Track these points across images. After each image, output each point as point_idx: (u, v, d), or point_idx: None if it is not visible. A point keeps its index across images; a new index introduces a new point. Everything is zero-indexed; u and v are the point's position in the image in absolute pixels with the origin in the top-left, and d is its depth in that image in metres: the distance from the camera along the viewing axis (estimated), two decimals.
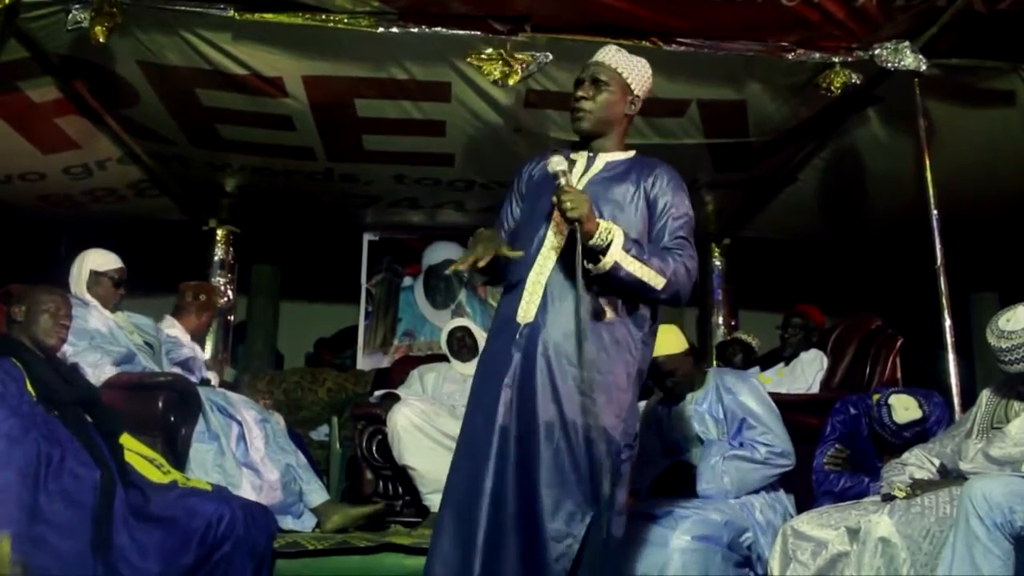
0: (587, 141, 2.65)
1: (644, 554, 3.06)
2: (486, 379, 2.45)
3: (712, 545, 3.06)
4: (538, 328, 2.40)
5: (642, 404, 3.78)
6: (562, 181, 2.36)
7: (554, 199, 2.36)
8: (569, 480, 2.28)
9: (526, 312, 2.44)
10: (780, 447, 3.31)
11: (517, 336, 2.41)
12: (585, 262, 2.35)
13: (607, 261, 2.35)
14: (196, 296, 4.56)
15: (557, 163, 2.38)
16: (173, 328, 4.36)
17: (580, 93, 2.59)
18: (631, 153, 2.68)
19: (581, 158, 2.63)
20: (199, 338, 4.55)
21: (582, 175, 2.59)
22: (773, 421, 3.37)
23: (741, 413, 3.38)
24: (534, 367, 2.37)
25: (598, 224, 2.35)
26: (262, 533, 2.94)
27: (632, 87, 2.63)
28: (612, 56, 2.64)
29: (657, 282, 2.41)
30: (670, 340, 3.40)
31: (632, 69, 2.63)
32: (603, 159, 2.63)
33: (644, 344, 2.52)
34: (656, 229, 2.54)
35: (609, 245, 2.35)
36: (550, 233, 2.50)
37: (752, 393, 3.42)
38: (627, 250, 2.37)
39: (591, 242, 2.34)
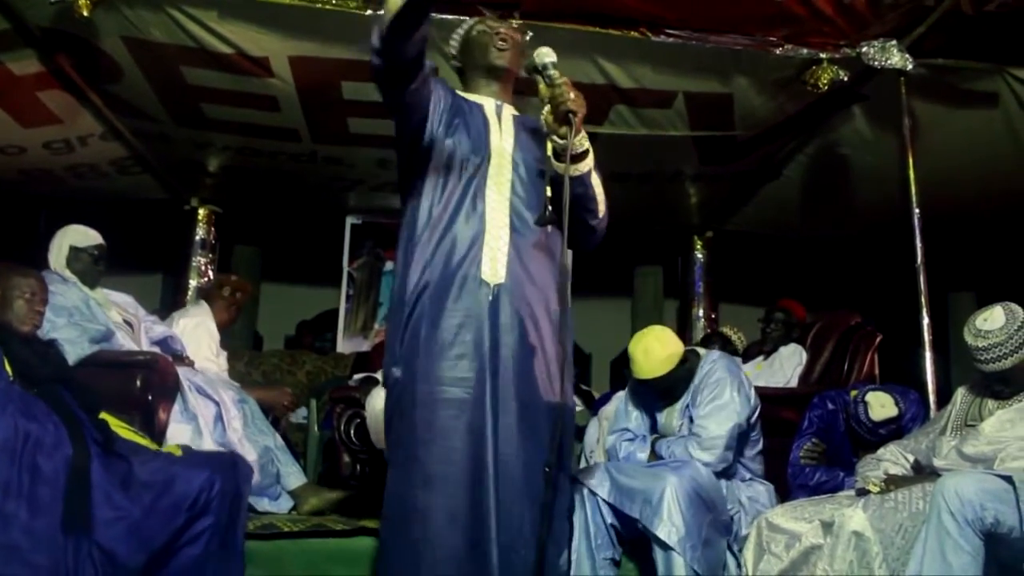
0: (482, 81, 2.52)
1: (641, 484, 3.13)
2: (455, 353, 2.20)
3: (703, 504, 3.10)
4: (511, 289, 2.26)
5: (621, 394, 3.81)
6: (555, 72, 2.23)
7: (547, 93, 2.23)
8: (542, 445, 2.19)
9: (494, 271, 2.27)
10: (712, 463, 3.29)
11: (490, 298, 2.24)
12: (557, 163, 2.26)
13: (586, 164, 2.31)
14: (233, 293, 4.64)
15: (547, 53, 2.25)
16: (197, 318, 4.41)
17: (504, 32, 2.49)
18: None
19: (487, 102, 2.48)
20: (221, 332, 4.55)
21: (499, 122, 2.45)
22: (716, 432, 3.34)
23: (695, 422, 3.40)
24: (516, 338, 2.23)
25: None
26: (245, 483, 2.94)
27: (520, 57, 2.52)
28: (512, 27, 2.59)
29: (601, 208, 2.43)
30: (660, 358, 3.38)
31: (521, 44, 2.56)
32: (508, 110, 2.51)
33: None
34: None
35: (587, 151, 2.32)
36: (508, 179, 2.36)
37: (709, 404, 3.37)
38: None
39: (577, 139, 2.23)
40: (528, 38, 4.13)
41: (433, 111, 2.34)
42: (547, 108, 2.25)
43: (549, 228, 2.33)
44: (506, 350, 2.22)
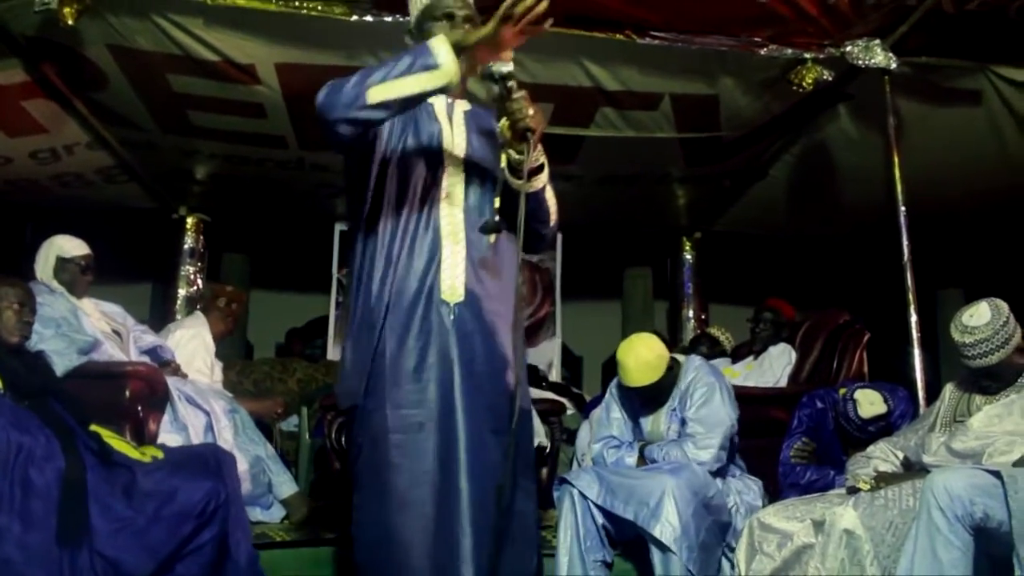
0: None
1: (637, 485, 3.15)
2: (423, 376, 2.13)
3: (702, 506, 3.13)
4: (471, 306, 2.18)
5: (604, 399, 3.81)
6: (514, 85, 2.11)
7: (505, 107, 2.12)
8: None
9: (452, 288, 2.19)
10: (707, 463, 3.33)
11: (451, 317, 2.16)
12: (513, 179, 2.17)
13: (542, 178, 2.22)
14: (229, 303, 4.60)
15: (503, 64, 2.10)
16: (192, 330, 4.37)
17: (461, 14, 2.34)
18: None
19: (437, 100, 2.32)
20: (216, 343, 4.53)
21: (450, 121, 2.32)
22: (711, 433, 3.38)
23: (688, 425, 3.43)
24: (481, 356, 2.17)
25: None
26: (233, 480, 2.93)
27: None
28: (470, 6, 2.42)
29: (553, 216, 2.33)
30: (651, 365, 3.41)
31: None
32: (460, 106, 2.37)
33: None
34: None
35: (542, 165, 2.23)
36: (461, 186, 2.26)
37: (701, 407, 3.41)
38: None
39: (533, 156, 2.13)
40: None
41: (383, 127, 2.25)
42: (504, 121, 2.16)
43: (493, 237, 2.24)
44: (471, 368, 2.15)
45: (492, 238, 2.24)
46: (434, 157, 2.26)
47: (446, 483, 2.08)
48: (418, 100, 2.08)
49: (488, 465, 2.10)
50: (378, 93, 2.03)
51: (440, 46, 2.03)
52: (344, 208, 6.81)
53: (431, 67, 2.02)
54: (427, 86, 2.03)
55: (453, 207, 2.24)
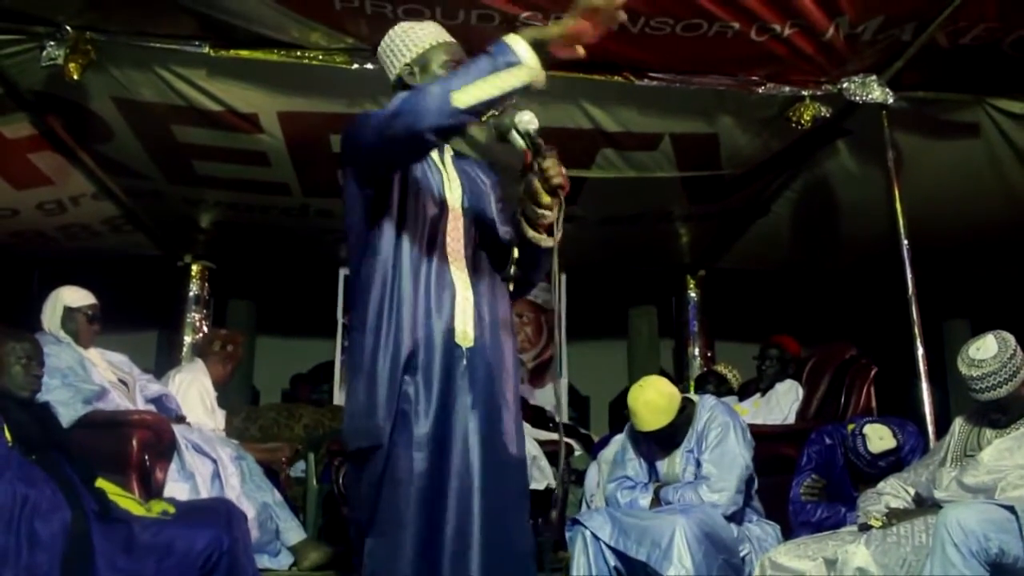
0: None
1: (650, 525, 3.13)
2: (444, 420, 2.11)
3: (713, 546, 3.10)
4: (480, 351, 2.17)
5: (619, 438, 3.80)
6: (541, 141, 2.11)
7: (541, 164, 2.11)
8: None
9: (464, 333, 2.18)
10: (723, 505, 3.31)
11: (465, 361, 2.15)
12: (534, 233, 2.18)
13: (559, 232, 2.16)
14: (224, 346, 4.60)
15: (532, 120, 2.12)
16: (191, 375, 4.37)
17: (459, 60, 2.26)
18: None
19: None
20: (220, 387, 4.53)
21: (443, 167, 2.31)
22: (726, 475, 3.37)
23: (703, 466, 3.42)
24: (489, 400, 2.16)
25: None
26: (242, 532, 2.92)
27: None
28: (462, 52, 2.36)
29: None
30: (662, 409, 3.41)
31: None
32: (448, 153, 2.36)
33: None
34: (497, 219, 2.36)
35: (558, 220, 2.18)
36: (461, 235, 2.25)
37: (716, 448, 3.41)
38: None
39: (559, 215, 2.12)
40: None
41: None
42: (535, 180, 2.14)
43: (490, 278, 2.26)
44: (483, 413, 2.14)
45: (485, 287, 2.24)
46: (439, 204, 2.25)
47: (463, 530, 2.07)
48: (503, 100, 2.01)
49: (501, 514, 2.10)
50: (464, 97, 1.95)
51: (518, 42, 1.97)
52: (347, 253, 6.90)
53: (513, 64, 1.95)
54: (513, 84, 1.96)
55: (457, 253, 2.24)
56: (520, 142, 2.13)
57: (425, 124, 1.97)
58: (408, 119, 1.98)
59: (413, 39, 2.30)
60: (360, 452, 2.16)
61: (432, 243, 2.21)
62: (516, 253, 2.26)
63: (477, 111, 1.98)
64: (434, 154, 2.30)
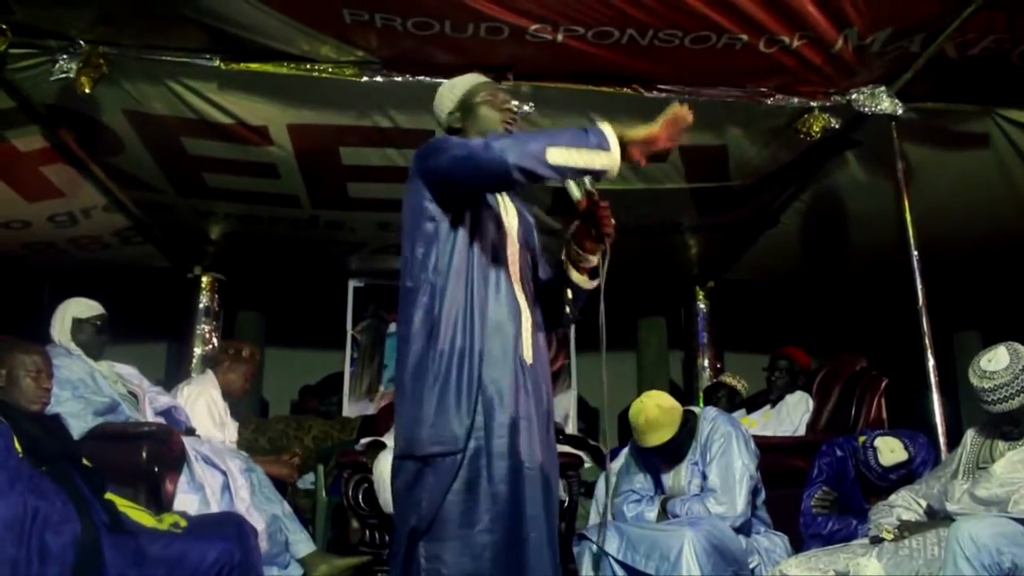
0: None
1: (658, 538, 3.13)
2: (523, 432, 2.25)
3: (722, 558, 3.09)
4: (535, 370, 2.34)
5: (624, 451, 3.79)
6: (596, 192, 2.31)
7: (596, 212, 2.32)
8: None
9: (528, 353, 2.33)
10: (731, 517, 3.31)
11: (525, 377, 2.30)
12: (579, 276, 2.40)
13: (599, 280, 2.40)
14: (238, 353, 4.56)
15: (589, 183, 2.32)
16: (199, 387, 4.37)
17: (512, 107, 2.52)
18: None
19: None
20: (235, 399, 4.51)
21: (503, 202, 2.47)
22: (732, 486, 3.36)
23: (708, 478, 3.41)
24: (544, 420, 2.33)
25: None
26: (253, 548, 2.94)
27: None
28: None
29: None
30: (663, 424, 3.41)
31: None
32: None
33: None
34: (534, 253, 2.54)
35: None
36: (518, 260, 2.41)
37: (720, 459, 3.40)
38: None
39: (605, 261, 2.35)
40: (531, 109, 4.23)
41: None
42: (584, 226, 2.34)
43: (535, 307, 2.40)
44: (539, 427, 2.29)
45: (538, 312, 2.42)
46: (501, 230, 2.39)
47: (536, 540, 2.19)
48: (581, 173, 2.23)
49: (551, 521, 2.24)
50: (558, 156, 2.14)
51: (611, 132, 2.19)
52: (357, 264, 6.94)
53: (603, 149, 2.17)
54: (596, 165, 2.17)
55: (517, 276, 2.38)
56: (575, 191, 2.32)
57: (520, 163, 2.14)
58: (505, 155, 2.14)
59: (453, 89, 2.53)
60: (430, 458, 2.21)
61: (500, 265, 2.35)
62: (569, 295, 2.44)
63: (560, 171, 2.18)
64: None
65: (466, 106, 2.49)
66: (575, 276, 2.40)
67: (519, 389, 2.26)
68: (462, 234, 2.31)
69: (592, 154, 2.16)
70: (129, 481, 3.26)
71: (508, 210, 2.46)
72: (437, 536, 2.16)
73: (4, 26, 3.76)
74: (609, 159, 2.16)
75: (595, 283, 2.40)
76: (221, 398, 4.40)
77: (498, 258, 2.35)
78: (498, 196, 2.44)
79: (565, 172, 2.19)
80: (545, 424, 2.33)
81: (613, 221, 2.29)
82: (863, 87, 4.29)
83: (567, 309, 2.44)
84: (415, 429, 2.23)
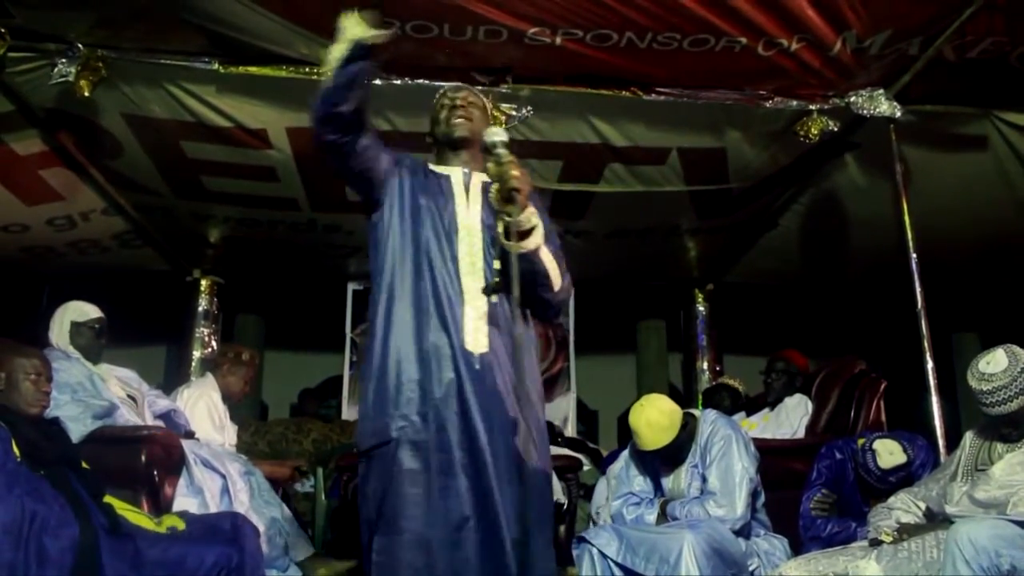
0: (450, 152, 2.56)
1: (657, 541, 3.12)
2: (446, 423, 2.23)
3: (722, 561, 3.09)
4: (490, 361, 2.29)
5: (624, 454, 3.79)
6: (504, 152, 2.25)
7: (495, 172, 2.25)
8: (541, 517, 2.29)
9: (476, 340, 2.30)
10: (730, 519, 3.31)
11: (468, 367, 2.27)
12: (505, 240, 2.27)
13: (529, 243, 2.30)
14: (237, 356, 4.57)
15: (497, 132, 2.28)
16: (199, 390, 4.37)
17: (461, 101, 2.54)
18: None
19: (455, 172, 2.51)
20: (235, 402, 4.51)
21: (467, 192, 2.47)
22: (731, 489, 3.36)
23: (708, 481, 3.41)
24: (502, 403, 2.27)
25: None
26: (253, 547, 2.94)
27: (488, 114, 2.64)
28: (474, 93, 2.66)
29: (556, 282, 2.41)
30: (663, 427, 3.41)
31: (486, 106, 2.66)
32: (478, 178, 2.51)
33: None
34: None
35: (534, 228, 2.32)
36: (475, 249, 2.40)
37: (720, 462, 3.40)
38: (545, 238, 2.36)
39: (523, 217, 2.26)
40: (528, 113, 4.23)
41: (392, 197, 2.45)
42: (495, 186, 2.29)
43: (495, 297, 2.35)
44: (493, 422, 2.25)
45: (494, 298, 2.35)
46: (450, 226, 2.40)
47: (465, 526, 2.17)
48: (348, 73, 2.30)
49: (505, 514, 2.17)
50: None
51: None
52: (355, 268, 6.94)
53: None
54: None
55: (473, 267, 2.36)
56: (487, 156, 2.28)
57: (315, 99, 2.33)
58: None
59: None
60: (370, 451, 2.27)
61: (442, 257, 2.36)
62: (498, 264, 2.36)
63: (336, 79, 2.29)
64: (455, 177, 2.48)
65: (430, 119, 2.63)
66: (504, 241, 2.28)
67: (460, 380, 2.25)
68: (395, 232, 2.42)
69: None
70: (128, 484, 3.26)
71: (471, 200, 2.46)
72: (384, 530, 2.22)
73: (3, 30, 3.76)
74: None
75: (531, 244, 2.31)
76: (220, 401, 4.40)
77: (438, 251, 2.36)
78: (455, 187, 2.46)
79: (336, 79, 2.27)
80: (515, 419, 2.27)
81: (517, 172, 2.22)
82: (862, 90, 4.29)
83: (495, 279, 2.34)
84: (360, 425, 2.34)
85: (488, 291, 2.33)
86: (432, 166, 2.55)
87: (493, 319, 2.33)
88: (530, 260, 2.32)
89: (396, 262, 2.40)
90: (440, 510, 2.17)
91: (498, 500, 2.17)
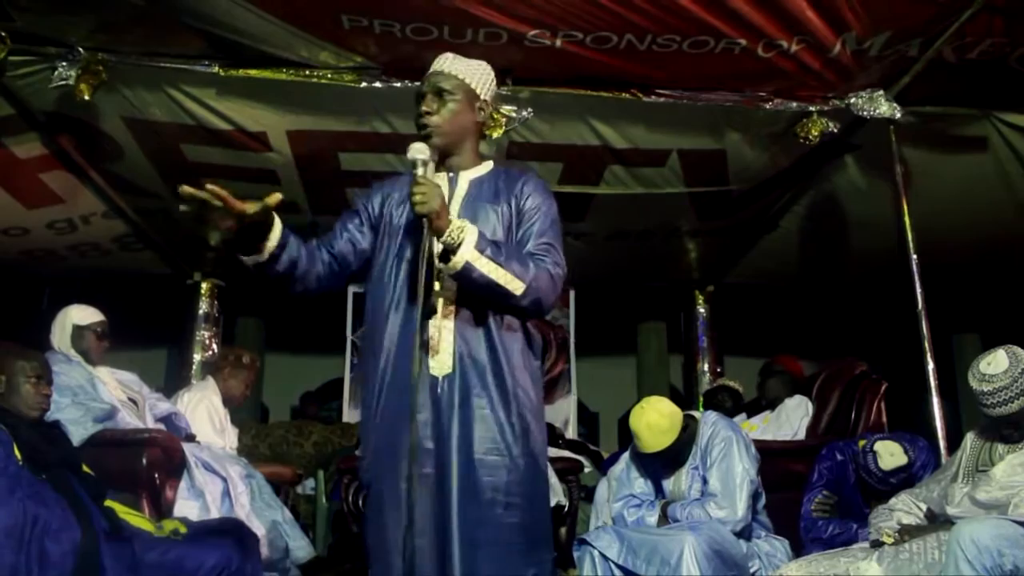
0: (441, 159, 2.39)
1: (658, 543, 3.12)
2: (419, 448, 2.15)
3: (723, 562, 3.09)
4: (461, 376, 2.21)
5: (625, 456, 3.79)
6: (419, 171, 2.15)
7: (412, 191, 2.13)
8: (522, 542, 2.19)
9: (442, 363, 2.22)
10: (731, 521, 3.30)
11: (438, 390, 2.20)
12: (438, 262, 2.17)
13: (457, 261, 2.13)
14: (238, 359, 4.57)
15: (419, 150, 2.18)
16: (200, 394, 4.37)
17: (424, 108, 2.35)
18: (490, 165, 2.45)
19: (441, 179, 2.35)
20: (236, 405, 4.52)
21: (450, 200, 2.32)
22: (732, 491, 3.36)
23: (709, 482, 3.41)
24: (471, 420, 2.19)
25: (450, 221, 2.14)
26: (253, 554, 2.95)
27: (478, 92, 2.40)
28: (452, 63, 2.42)
29: (515, 286, 2.18)
30: (663, 430, 3.40)
31: (475, 73, 2.42)
32: (465, 178, 2.40)
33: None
34: (521, 233, 2.34)
35: (460, 244, 2.14)
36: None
37: (721, 464, 3.40)
38: (481, 250, 2.15)
39: (442, 239, 2.13)
40: (528, 115, 4.22)
41: (382, 227, 2.47)
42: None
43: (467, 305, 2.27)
44: (470, 432, 2.19)
45: (464, 313, 2.26)
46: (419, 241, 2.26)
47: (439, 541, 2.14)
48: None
49: (479, 534, 2.13)
50: None
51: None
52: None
53: None
54: None
55: (444, 284, 2.25)
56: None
57: None
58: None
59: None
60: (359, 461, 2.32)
61: (412, 281, 2.23)
62: (438, 286, 2.25)
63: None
64: (439, 182, 2.31)
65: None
66: (437, 264, 2.20)
67: (419, 406, 2.13)
68: (378, 255, 2.42)
69: None
70: (129, 488, 3.26)
71: (451, 206, 2.32)
72: (370, 559, 2.23)
73: (3, 33, 3.77)
74: None
75: (458, 263, 2.14)
76: (221, 404, 4.41)
77: (408, 274, 2.28)
78: (421, 163, 2.29)
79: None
80: (492, 425, 2.19)
81: (419, 196, 2.09)
82: (861, 91, 4.29)
83: (429, 299, 2.22)
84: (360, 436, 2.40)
85: (425, 315, 2.20)
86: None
87: (462, 336, 2.24)
88: (462, 278, 2.18)
89: (372, 284, 2.41)
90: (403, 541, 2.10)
91: (453, 529, 2.12)
